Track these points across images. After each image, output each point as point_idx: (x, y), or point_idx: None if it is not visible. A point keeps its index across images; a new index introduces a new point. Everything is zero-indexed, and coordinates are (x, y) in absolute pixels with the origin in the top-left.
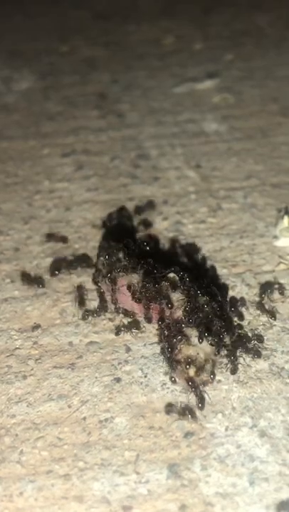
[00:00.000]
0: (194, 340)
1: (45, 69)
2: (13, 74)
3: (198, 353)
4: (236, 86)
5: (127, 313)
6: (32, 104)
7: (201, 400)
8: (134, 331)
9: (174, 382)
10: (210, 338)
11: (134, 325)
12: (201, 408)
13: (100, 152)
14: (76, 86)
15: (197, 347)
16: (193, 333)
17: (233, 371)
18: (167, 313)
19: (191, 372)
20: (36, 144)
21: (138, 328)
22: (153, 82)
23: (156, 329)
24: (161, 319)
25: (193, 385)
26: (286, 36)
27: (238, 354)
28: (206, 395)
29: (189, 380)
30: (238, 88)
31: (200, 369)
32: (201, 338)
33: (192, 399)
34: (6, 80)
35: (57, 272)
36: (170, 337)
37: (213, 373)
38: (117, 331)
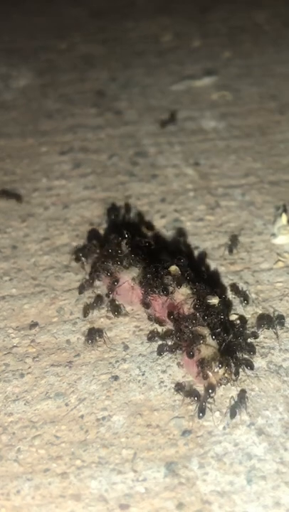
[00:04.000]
0: (208, 339)
1: (43, 66)
2: (11, 71)
3: (214, 352)
4: (234, 83)
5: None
6: (30, 102)
7: (201, 409)
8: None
9: (205, 377)
10: (220, 338)
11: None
12: (202, 415)
13: (98, 150)
14: (74, 83)
15: (212, 346)
16: (205, 332)
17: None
18: (172, 307)
19: (222, 371)
20: (34, 141)
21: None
22: (151, 79)
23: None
24: (171, 314)
25: (213, 391)
26: (284, 34)
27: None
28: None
29: (210, 386)
30: (237, 86)
31: (226, 367)
32: (215, 336)
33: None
34: (4, 78)
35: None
36: (184, 334)
37: (237, 372)
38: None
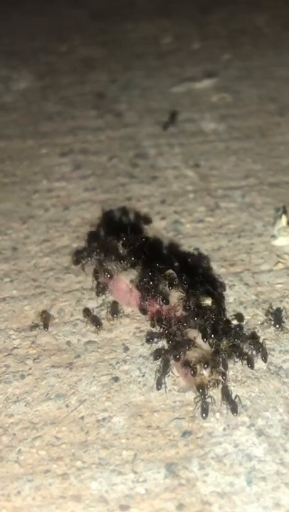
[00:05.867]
0: (198, 341)
1: (43, 69)
2: (12, 73)
3: (203, 354)
4: (234, 85)
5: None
6: (30, 104)
7: (205, 409)
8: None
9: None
10: (211, 340)
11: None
12: (206, 414)
13: (98, 152)
14: (74, 86)
15: (201, 348)
16: (195, 334)
17: (265, 358)
18: (166, 311)
19: (207, 372)
20: (34, 143)
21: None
22: (151, 81)
23: (152, 325)
24: (159, 319)
25: (203, 391)
26: (284, 36)
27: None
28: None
29: (200, 386)
30: (236, 88)
31: (212, 369)
32: (205, 337)
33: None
34: (4, 80)
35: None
36: (174, 337)
37: (224, 374)
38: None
